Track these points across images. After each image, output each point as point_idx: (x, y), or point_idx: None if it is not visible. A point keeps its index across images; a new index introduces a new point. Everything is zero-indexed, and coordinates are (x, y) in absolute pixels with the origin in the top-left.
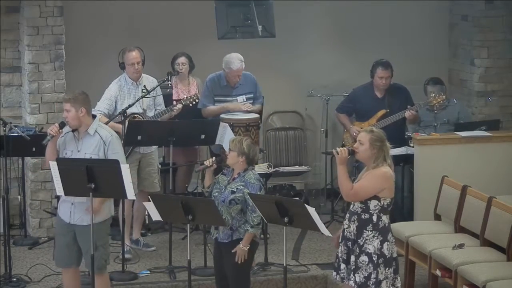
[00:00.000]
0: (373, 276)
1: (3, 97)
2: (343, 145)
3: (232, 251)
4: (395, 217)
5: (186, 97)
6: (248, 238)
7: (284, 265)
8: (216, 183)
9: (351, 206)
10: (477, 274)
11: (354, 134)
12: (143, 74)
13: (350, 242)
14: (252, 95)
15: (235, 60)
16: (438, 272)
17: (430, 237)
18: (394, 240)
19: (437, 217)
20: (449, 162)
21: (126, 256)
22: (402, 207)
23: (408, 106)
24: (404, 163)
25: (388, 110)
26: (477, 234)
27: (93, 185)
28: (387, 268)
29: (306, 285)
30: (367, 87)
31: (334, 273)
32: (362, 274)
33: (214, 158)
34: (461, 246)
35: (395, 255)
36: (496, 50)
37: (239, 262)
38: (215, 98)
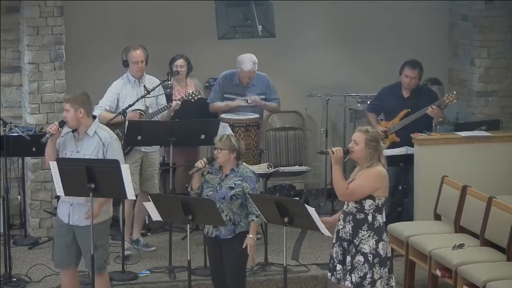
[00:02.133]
0: (368, 275)
1: (3, 97)
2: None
3: (244, 246)
4: (395, 217)
5: (188, 93)
6: (255, 227)
7: (284, 265)
8: (205, 182)
9: (345, 206)
10: (477, 274)
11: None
12: (146, 74)
13: (345, 243)
14: (264, 97)
15: (247, 61)
16: (438, 272)
17: (430, 237)
18: (388, 239)
19: (437, 217)
20: (449, 162)
21: (127, 253)
22: (402, 207)
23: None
24: (404, 163)
25: (409, 110)
26: (477, 234)
27: (93, 185)
28: (382, 268)
29: (306, 285)
30: (394, 86)
31: (329, 274)
32: (358, 274)
33: (205, 159)
34: (461, 246)
35: (389, 254)
36: (496, 50)
37: (250, 254)
38: (225, 96)
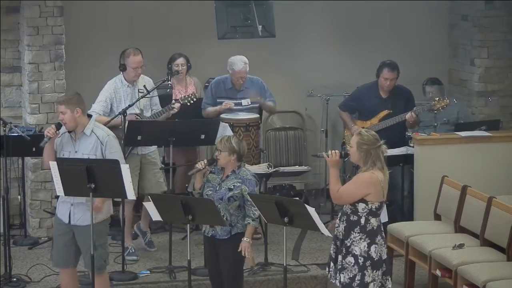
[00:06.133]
0: (357, 278)
1: (3, 97)
2: (343, 143)
3: (239, 250)
4: (395, 217)
5: (184, 96)
6: (251, 231)
7: (284, 265)
8: (207, 182)
9: (344, 206)
10: (477, 274)
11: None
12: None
13: (338, 242)
14: (259, 98)
15: (238, 61)
16: (438, 272)
17: (430, 237)
18: (384, 242)
19: (437, 217)
20: (449, 162)
21: (133, 257)
22: (402, 207)
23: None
24: (404, 163)
25: (391, 111)
26: (477, 234)
27: (93, 185)
28: (375, 271)
29: (306, 285)
30: (371, 86)
31: (326, 271)
32: (347, 275)
33: (205, 160)
34: (461, 246)
35: (384, 257)
36: (496, 50)
37: (246, 255)
38: (218, 101)
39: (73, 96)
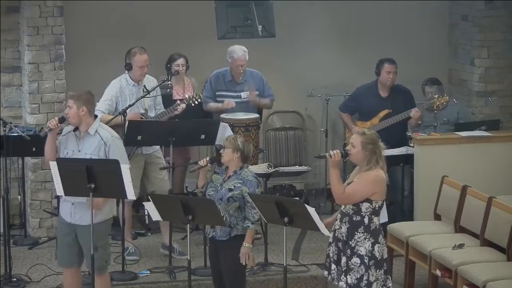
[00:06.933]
0: (365, 278)
1: (3, 97)
2: (345, 145)
3: (240, 254)
4: (395, 217)
5: (189, 97)
6: (250, 235)
7: (284, 265)
8: (210, 182)
9: (343, 206)
10: (477, 274)
11: None
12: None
13: (340, 243)
14: (257, 92)
15: (238, 50)
16: (438, 272)
17: (430, 237)
18: (385, 241)
19: (437, 217)
20: (449, 162)
21: (133, 257)
22: (402, 207)
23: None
24: (404, 163)
25: (391, 111)
26: (477, 234)
27: (93, 185)
28: (378, 270)
29: (306, 285)
30: (371, 86)
31: (326, 273)
32: (354, 275)
33: (208, 158)
34: (461, 246)
35: (385, 256)
36: (496, 50)
37: (244, 263)
38: (218, 93)
39: (84, 94)
